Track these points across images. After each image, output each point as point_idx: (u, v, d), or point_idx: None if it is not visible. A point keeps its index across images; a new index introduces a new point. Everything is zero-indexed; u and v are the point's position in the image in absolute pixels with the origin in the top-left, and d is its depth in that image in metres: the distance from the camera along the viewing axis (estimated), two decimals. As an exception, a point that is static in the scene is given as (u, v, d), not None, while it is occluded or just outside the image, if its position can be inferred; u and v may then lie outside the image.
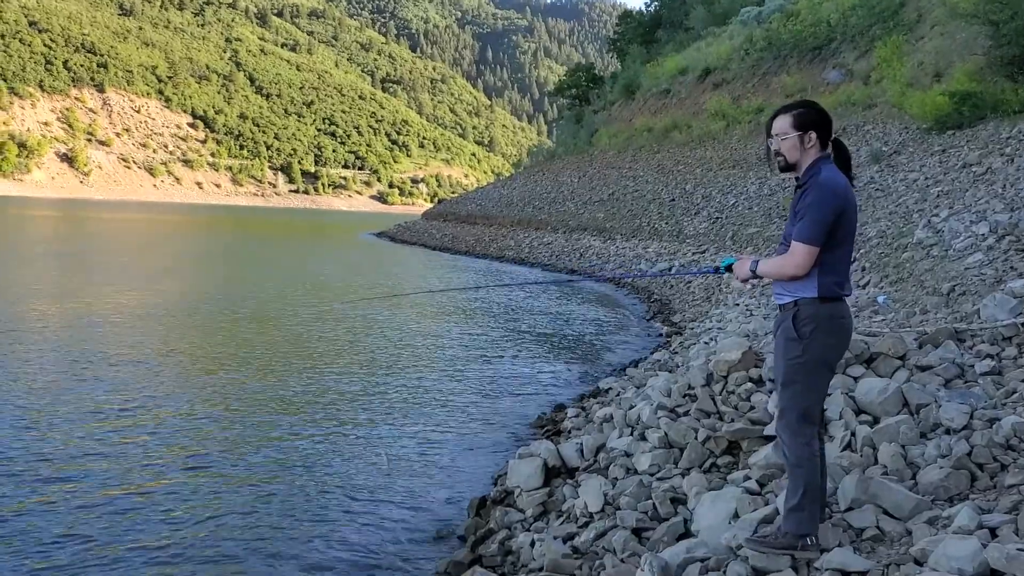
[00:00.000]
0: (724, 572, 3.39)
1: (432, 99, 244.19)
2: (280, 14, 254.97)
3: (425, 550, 4.99)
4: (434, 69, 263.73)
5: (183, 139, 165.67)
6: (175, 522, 5.20)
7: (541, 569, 4.16)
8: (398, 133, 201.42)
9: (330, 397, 8.55)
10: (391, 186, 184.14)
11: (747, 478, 4.26)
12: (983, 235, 8.54)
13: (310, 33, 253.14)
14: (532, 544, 4.51)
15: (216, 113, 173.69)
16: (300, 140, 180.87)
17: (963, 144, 14.85)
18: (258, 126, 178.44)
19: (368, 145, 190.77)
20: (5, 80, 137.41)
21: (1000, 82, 15.90)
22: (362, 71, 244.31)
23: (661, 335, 13.35)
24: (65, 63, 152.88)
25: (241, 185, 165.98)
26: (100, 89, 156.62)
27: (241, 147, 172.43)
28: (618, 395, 7.43)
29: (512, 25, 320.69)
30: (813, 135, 3.26)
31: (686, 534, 4.06)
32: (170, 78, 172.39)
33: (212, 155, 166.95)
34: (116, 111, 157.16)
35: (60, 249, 27.74)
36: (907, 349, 5.16)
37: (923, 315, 6.86)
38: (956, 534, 3.04)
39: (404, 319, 14.30)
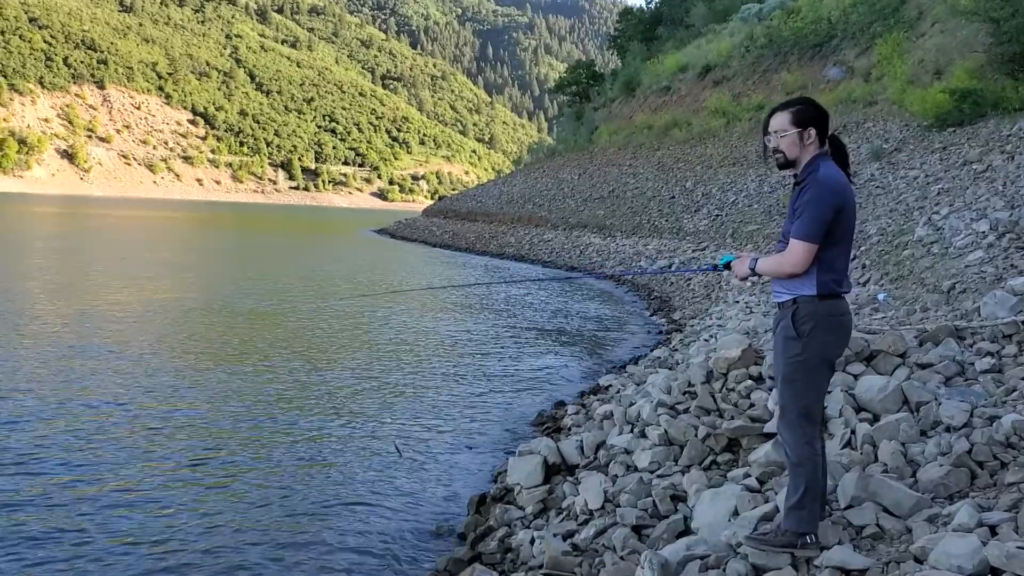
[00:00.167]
0: (724, 570, 3.38)
1: (432, 96, 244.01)
2: (280, 10, 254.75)
3: (424, 547, 4.99)
4: (434, 66, 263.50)
5: (183, 136, 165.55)
6: (173, 517, 5.20)
7: (541, 567, 4.15)
8: (398, 130, 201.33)
9: (329, 394, 8.55)
10: (391, 183, 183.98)
11: (747, 475, 4.26)
12: (983, 233, 8.53)
13: (310, 30, 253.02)
14: (532, 542, 4.51)
15: (216, 110, 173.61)
16: (300, 137, 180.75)
17: (964, 142, 14.84)
18: (258, 123, 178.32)
19: (368, 142, 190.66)
20: (5, 76, 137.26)
21: (1001, 79, 15.90)
22: (362, 68, 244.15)
23: (661, 332, 13.35)
24: (65, 59, 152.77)
25: (241, 182, 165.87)
26: (100, 86, 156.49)
27: (241, 144, 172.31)
28: (618, 392, 7.42)
29: (512, 22, 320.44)
30: (812, 131, 3.25)
31: (686, 531, 4.06)
32: (170, 74, 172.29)
33: (212, 152, 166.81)
34: (116, 108, 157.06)
35: (62, 245, 27.72)
36: (907, 347, 5.16)
37: (923, 313, 6.86)
38: (956, 532, 3.03)
39: (403, 316, 14.29)
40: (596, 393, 8.37)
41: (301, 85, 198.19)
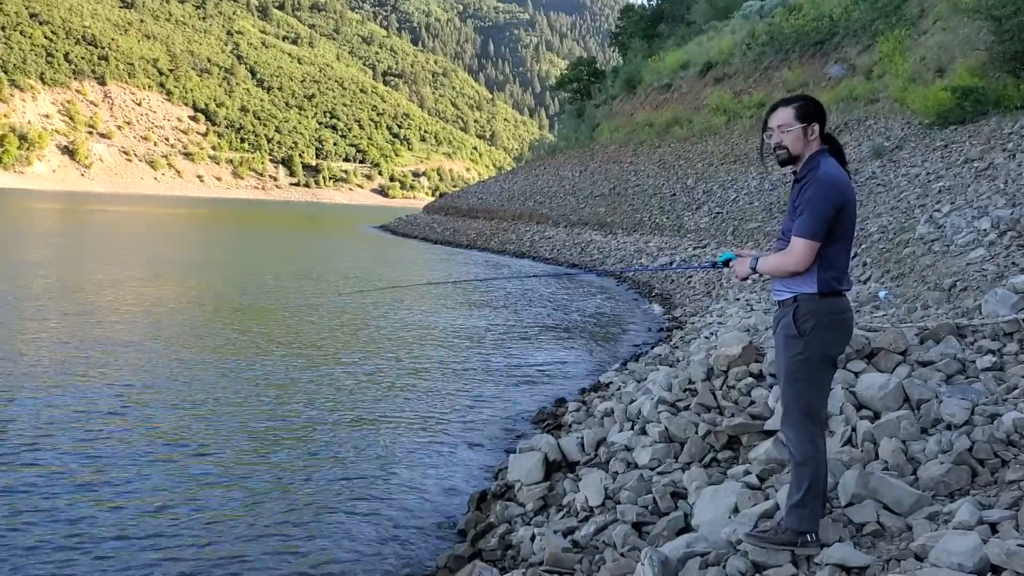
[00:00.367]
0: (724, 567, 3.39)
1: (433, 93, 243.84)
2: (281, 7, 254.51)
3: (425, 544, 4.99)
4: (435, 63, 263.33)
5: (184, 132, 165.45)
6: (172, 514, 5.20)
7: (541, 563, 4.16)
8: (399, 127, 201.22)
9: (328, 390, 8.55)
10: (392, 180, 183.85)
11: (747, 473, 4.26)
12: (985, 231, 8.53)
13: (311, 26, 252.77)
14: (532, 538, 4.51)
15: (217, 106, 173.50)
16: (301, 133, 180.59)
17: (965, 139, 14.82)
18: (259, 119, 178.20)
19: (369, 138, 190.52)
20: (6, 72, 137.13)
21: (1002, 77, 15.87)
22: (363, 64, 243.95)
23: (662, 329, 13.36)
24: (66, 55, 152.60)
25: (242, 178, 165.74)
26: (101, 82, 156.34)
27: (242, 140, 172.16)
28: (619, 389, 7.43)
29: (514, 19, 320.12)
30: (816, 127, 3.25)
31: (686, 528, 4.07)
32: (171, 71, 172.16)
33: (213, 148, 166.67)
34: (117, 104, 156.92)
35: (63, 241, 27.73)
36: (908, 344, 5.15)
37: (924, 310, 6.86)
38: (956, 530, 3.03)
39: (403, 312, 14.29)
40: (597, 390, 8.38)
41: (302, 81, 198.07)
